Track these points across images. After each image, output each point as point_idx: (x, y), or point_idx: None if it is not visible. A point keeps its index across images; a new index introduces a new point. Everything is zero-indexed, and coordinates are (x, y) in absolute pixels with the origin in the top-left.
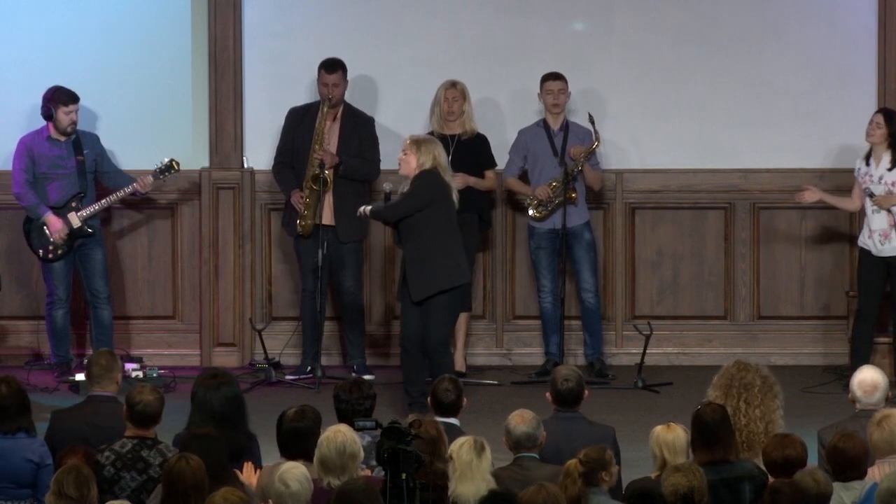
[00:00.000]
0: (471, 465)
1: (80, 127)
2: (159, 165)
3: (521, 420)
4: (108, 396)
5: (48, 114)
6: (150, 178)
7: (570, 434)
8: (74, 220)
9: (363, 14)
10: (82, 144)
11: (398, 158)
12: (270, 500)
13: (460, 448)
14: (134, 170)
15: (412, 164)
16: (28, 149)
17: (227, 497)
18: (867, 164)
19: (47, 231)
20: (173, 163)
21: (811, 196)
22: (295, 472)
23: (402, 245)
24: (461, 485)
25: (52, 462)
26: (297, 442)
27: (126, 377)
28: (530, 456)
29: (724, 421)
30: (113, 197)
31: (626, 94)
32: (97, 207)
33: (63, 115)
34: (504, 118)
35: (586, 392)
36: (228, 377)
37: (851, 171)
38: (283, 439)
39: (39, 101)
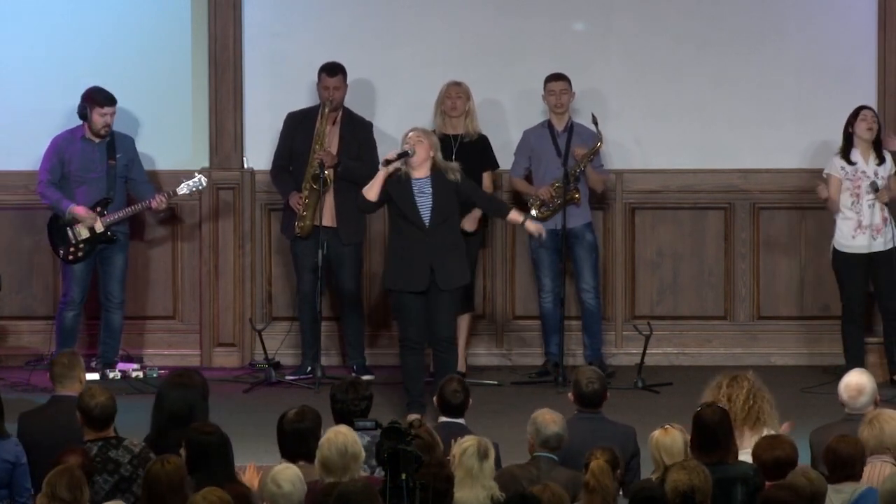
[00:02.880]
0: (472, 471)
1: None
2: (188, 182)
3: (552, 420)
4: (72, 397)
5: (83, 113)
6: (165, 200)
7: (593, 434)
8: (98, 224)
9: (363, 14)
10: (116, 148)
11: (413, 143)
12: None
13: (463, 453)
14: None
15: (428, 152)
16: (58, 149)
17: (207, 497)
18: (850, 162)
19: (70, 233)
20: (202, 179)
21: (823, 192)
22: (287, 473)
23: (429, 231)
24: (460, 490)
25: (27, 462)
26: (298, 443)
27: (126, 376)
28: (548, 457)
29: (724, 422)
30: (137, 207)
31: (625, 95)
32: (122, 214)
33: (98, 116)
34: (504, 119)
35: (608, 392)
36: (196, 380)
37: None
38: (284, 440)
39: (40, 103)
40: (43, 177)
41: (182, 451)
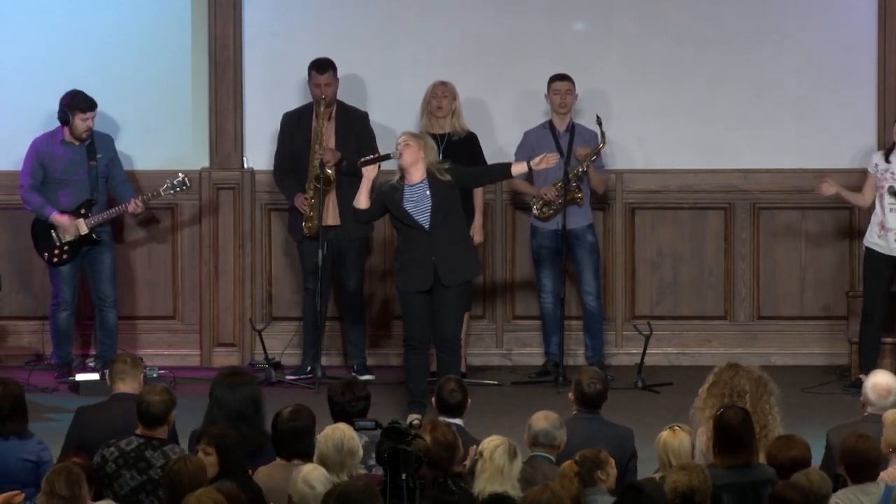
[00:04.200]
0: (502, 470)
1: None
2: (172, 181)
3: (543, 418)
4: (132, 395)
5: (65, 118)
6: (142, 204)
7: (592, 435)
8: (82, 227)
9: (363, 14)
10: (96, 148)
11: (401, 149)
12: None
13: (495, 450)
14: (135, 170)
15: (417, 155)
16: (38, 153)
17: (202, 499)
18: (887, 160)
19: (54, 235)
20: (186, 179)
21: (828, 189)
22: (316, 474)
23: (432, 231)
24: (490, 486)
25: (53, 461)
26: (294, 441)
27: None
28: (545, 457)
29: (747, 423)
30: (119, 209)
31: (625, 95)
32: (105, 216)
33: (80, 121)
34: (503, 119)
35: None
36: (248, 376)
37: (851, 171)
38: (279, 439)
39: (40, 103)
40: (25, 181)
41: (202, 454)
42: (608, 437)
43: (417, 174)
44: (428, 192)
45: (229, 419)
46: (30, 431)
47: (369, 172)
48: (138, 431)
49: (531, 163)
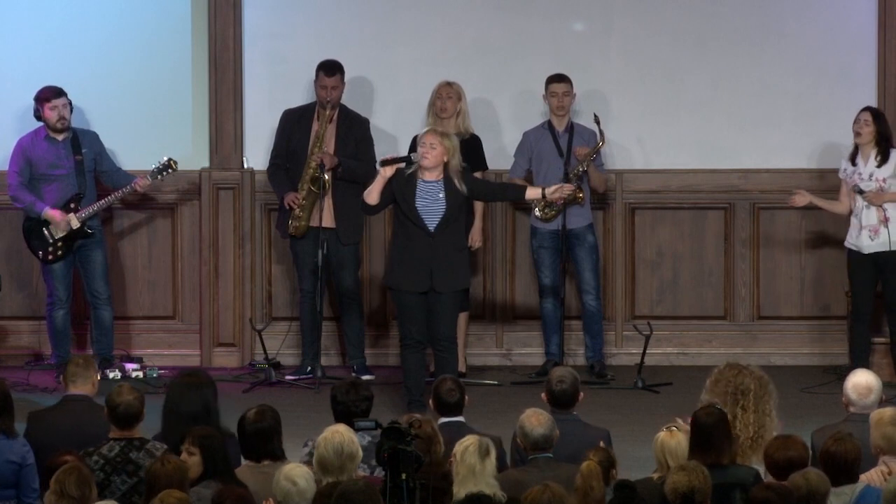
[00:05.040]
0: (474, 470)
1: (80, 125)
2: (157, 165)
3: (537, 422)
4: (84, 396)
5: (37, 113)
6: (149, 179)
7: (565, 436)
8: (73, 221)
9: (363, 14)
10: (81, 143)
11: (425, 150)
12: (272, 500)
13: (465, 451)
14: (134, 170)
15: (440, 160)
16: (24, 150)
17: (165, 500)
18: (853, 163)
19: (46, 232)
20: (171, 162)
21: (801, 200)
22: (300, 471)
23: (435, 235)
24: (464, 488)
25: (35, 462)
26: (261, 443)
27: (126, 376)
28: (545, 456)
29: (720, 424)
30: (112, 197)
31: (625, 95)
32: (96, 208)
33: (49, 111)
34: (504, 119)
35: (581, 394)
36: (198, 378)
37: None
38: (246, 441)
39: None
40: (13, 180)
41: (186, 454)
42: (583, 437)
43: (436, 172)
44: (441, 195)
45: (188, 421)
46: (16, 431)
47: (386, 172)
48: (114, 435)
49: (546, 191)
